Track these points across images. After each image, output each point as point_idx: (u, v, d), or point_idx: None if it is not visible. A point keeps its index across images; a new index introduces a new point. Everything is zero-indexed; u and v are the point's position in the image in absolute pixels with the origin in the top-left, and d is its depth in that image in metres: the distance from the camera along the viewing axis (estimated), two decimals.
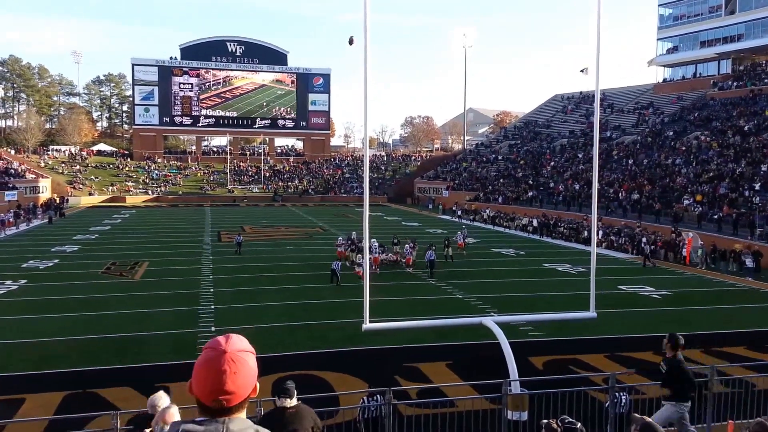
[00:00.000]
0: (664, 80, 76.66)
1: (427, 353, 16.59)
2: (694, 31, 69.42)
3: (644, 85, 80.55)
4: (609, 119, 72.05)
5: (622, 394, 10.37)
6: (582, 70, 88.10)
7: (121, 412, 10.61)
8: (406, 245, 31.12)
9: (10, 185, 62.63)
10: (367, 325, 11.79)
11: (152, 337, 18.26)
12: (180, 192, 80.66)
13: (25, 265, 30.36)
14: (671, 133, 58.85)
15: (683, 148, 53.19)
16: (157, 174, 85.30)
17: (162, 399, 6.14)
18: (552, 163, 66.55)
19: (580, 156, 63.79)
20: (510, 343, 12.16)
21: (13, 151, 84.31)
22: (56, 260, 32.21)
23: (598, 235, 23.46)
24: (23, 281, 26.38)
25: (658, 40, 74.17)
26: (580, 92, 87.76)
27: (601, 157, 53.12)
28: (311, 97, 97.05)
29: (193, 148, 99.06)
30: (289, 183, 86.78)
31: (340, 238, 33.07)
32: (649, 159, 54.73)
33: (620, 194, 49.28)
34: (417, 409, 11.53)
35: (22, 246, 37.74)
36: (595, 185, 13.29)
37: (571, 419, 5.77)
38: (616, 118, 72.88)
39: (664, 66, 76.19)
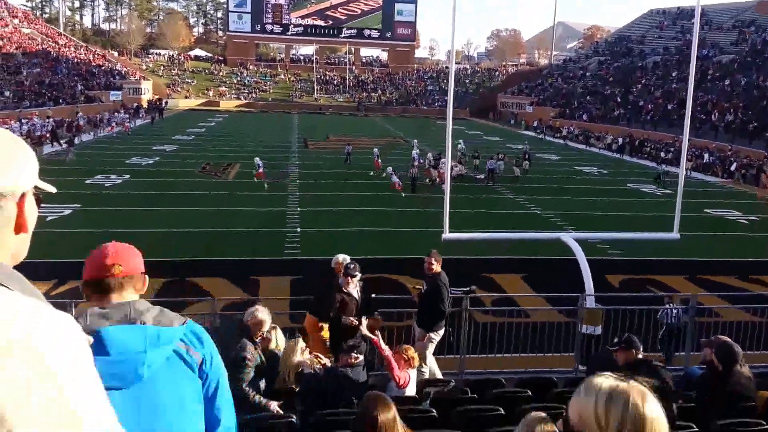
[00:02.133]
0: None
1: (503, 265, 16.78)
2: None
3: (746, 1, 74.33)
4: (706, 36, 67.41)
5: (672, 306, 10.36)
6: None
7: (219, 298, 11.69)
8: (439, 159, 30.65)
9: (114, 85, 65.59)
10: (447, 234, 12.01)
11: (243, 233, 19.40)
12: (270, 99, 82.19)
13: (128, 161, 32.41)
14: None
15: None
16: (248, 80, 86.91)
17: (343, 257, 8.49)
18: (643, 81, 63.50)
19: (674, 74, 60.46)
20: (587, 260, 12.21)
21: (116, 54, 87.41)
22: (156, 158, 34.14)
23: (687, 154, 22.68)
24: (127, 176, 28.22)
25: None
26: (677, 8, 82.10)
27: (696, 76, 50.28)
28: (398, 7, 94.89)
29: (282, 55, 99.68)
30: (372, 93, 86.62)
31: (376, 150, 33.23)
32: (747, 80, 51.40)
33: (713, 115, 46.84)
34: (492, 316, 11.65)
35: (126, 143, 40.12)
36: (689, 104, 12.82)
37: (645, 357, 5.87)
38: (714, 35, 68.00)
39: None
